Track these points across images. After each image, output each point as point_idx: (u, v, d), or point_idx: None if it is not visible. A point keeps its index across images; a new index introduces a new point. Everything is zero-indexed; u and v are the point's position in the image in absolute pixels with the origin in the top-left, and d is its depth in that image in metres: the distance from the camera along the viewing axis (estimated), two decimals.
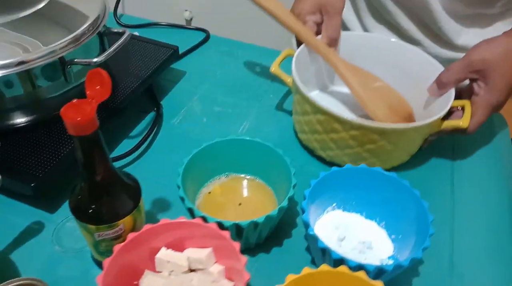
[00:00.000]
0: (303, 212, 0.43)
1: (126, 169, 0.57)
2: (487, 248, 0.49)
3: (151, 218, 0.50)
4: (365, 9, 0.72)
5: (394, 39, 0.63)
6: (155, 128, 0.62)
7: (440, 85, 0.54)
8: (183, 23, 1.23)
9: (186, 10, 1.20)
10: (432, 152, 0.59)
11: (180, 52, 0.76)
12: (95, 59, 0.50)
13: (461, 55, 0.66)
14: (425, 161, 0.59)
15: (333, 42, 0.60)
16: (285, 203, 0.44)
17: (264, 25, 1.09)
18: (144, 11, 1.17)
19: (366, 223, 0.50)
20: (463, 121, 0.52)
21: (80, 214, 0.39)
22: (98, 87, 0.35)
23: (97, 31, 0.53)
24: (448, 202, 0.54)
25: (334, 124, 0.51)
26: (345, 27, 0.76)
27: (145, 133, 0.60)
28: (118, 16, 0.84)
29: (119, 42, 0.51)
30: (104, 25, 0.57)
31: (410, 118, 0.59)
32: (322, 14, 0.60)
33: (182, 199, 0.44)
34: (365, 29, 0.74)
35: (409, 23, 0.67)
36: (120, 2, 0.86)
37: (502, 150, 0.61)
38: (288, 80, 0.57)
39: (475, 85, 0.53)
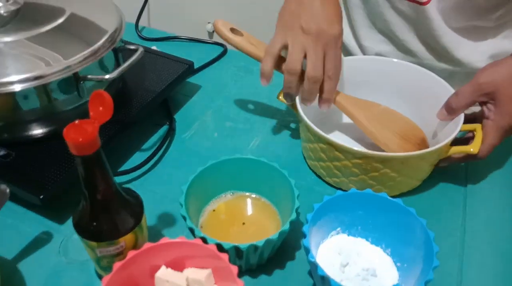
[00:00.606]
0: (304, 236, 0.43)
1: (135, 182, 0.57)
2: (498, 283, 0.47)
3: (156, 233, 0.51)
4: (360, 19, 0.70)
5: (396, 59, 0.62)
6: (167, 143, 0.63)
7: (450, 110, 0.53)
8: (205, 35, 1.24)
9: (208, 23, 1.22)
10: (445, 176, 0.58)
11: (197, 66, 0.77)
12: (107, 76, 0.51)
13: (457, 69, 0.65)
14: (436, 185, 0.57)
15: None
16: (286, 227, 0.43)
17: None
18: (168, 23, 1.20)
19: (371, 249, 0.49)
20: (473, 147, 0.50)
21: (81, 230, 0.40)
22: (101, 108, 0.36)
23: (112, 47, 0.54)
24: (459, 230, 0.52)
25: (336, 153, 0.50)
26: None
27: (156, 146, 0.61)
28: (139, 29, 0.86)
29: (132, 59, 0.52)
30: (121, 40, 0.58)
31: (423, 144, 0.57)
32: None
33: (184, 218, 0.44)
34: (358, 39, 0.72)
35: (405, 34, 0.66)
36: (146, 15, 0.88)
37: None
38: (294, 107, 0.57)
39: (485, 108, 0.52)
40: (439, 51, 0.65)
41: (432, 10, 0.60)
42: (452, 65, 0.66)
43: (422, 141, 0.57)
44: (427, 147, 0.57)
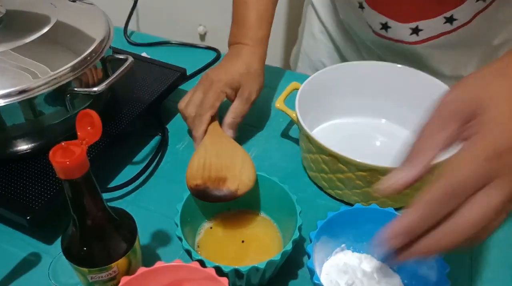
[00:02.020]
0: (309, 257, 0.41)
1: (127, 198, 0.55)
2: None
3: (150, 253, 0.48)
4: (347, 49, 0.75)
5: (400, 65, 0.61)
6: (159, 154, 0.60)
7: (409, 161, 0.32)
8: (197, 38, 1.22)
9: (200, 25, 1.19)
10: None
11: (190, 72, 0.74)
12: (95, 89, 0.48)
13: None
14: None
15: (234, 125, 0.58)
16: (289, 247, 0.41)
17: (278, 41, 1.07)
18: (158, 26, 1.17)
19: (378, 265, 0.46)
20: None
21: (71, 256, 0.38)
22: (89, 128, 0.33)
23: (100, 56, 0.51)
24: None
25: (339, 165, 0.48)
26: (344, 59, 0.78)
27: (148, 159, 0.58)
28: (128, 34, 0.83)
29: (120, 70, 0.49)
30: (110, 47, 0.55)
31: (212, 181, 0.47)
32: (236, 94, 0.59)
33: (180, 239, 0.41)
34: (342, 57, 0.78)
35: (395, 60, 0.66)
36: (135, 19, 0.85)
37: None
38: (293, 115, 0.55)
39: (463, 136, 0.31)
40: (431, 69, 0.66)
41: (421, 48, 0.63)
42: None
43: (216, 179, 0.47)
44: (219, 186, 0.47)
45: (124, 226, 0.39)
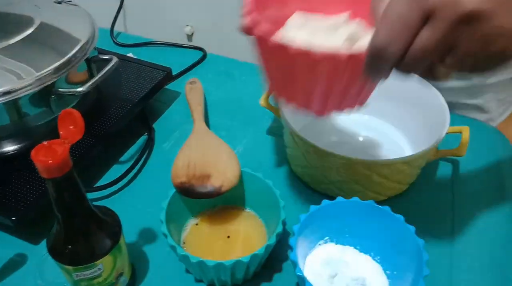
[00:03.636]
0: (292, 249, 0.41)
1: (114, 197, 0.55)
2: None
3: (137, 250, 0.49)
4: None
5: None
6: (146, 154, 0.60)
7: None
8: (184, 38, 1.22)
9: (187, 25, 1.19)
10: (432, 179, 0.57)
11: (176, 72, 0.75)
12: (80, 89, 0.48)
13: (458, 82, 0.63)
14: (424, 189, 0.56)
15: None
16: (272, 240, 0.42)
17: None
18: (145, 27, 1.17)
19: (360, 257, 0.47)
20: (460, 150, 0.49)
21: (56, 254, 0.38)
22: (72, 127, 0.34)
23: (85, 57, 0.52)
24: (448, 234, 0.51)
25: (321, 159, 0.49)
26: None
27: (135, 158, 0.59)
28: (115, 35, 0.83)
29: (105, 70, 0.50)
30: (95, 48, 0.56)
31: (195, 179, 0.47)
32: None
33: (165, 235, 0.42)
34: None
35: None
36: (122, 20, 0.86)
37: (507, 175, 0.58)
38: (278, 112, 0.56)
39: None
40: None
41: None
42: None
43: (201, 177, 0.47)
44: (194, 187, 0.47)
45: (109, 223, 0.40)
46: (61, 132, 0.34)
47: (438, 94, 0.54)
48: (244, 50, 1.17)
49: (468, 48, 0.27)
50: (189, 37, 1.22)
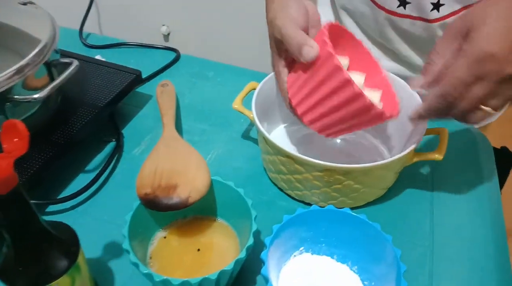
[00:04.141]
0: (263, 264, 0.39)
1: (79, 209, 0.52)
2: None
3: (102, 266, 0.46)
4: (358, 31, 0.68)
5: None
6: (114, 161, 0.57)
7: (426, 71, 0.43)
8: (161, 38, 1.19)
9: (163, 25, 1.16)
10: (411, 182, 0.55)
11: (147, 74, 0.72)
12: (36, 95, 0.45)
13: None
14: (402, 192, 0.55)
15: None
16: (242, 255, 0.40)
17: (244, 40, 1.05)
18: (120, 28, 1.13)
19: (337, 267, 0.45)
20: (438, 153, 0.48)
21: (6, 278, 0.35)
22: (16, 139, 0.31)
23: (43, 61, 0.48)
24: (427, 239, 0.50)
25: (296, 166, 0.47)
26: None
27: (101, 167, 0.56)
28: (84, 37, 0.80)
29: (64, 75, 0.47)
30: (56, 51, 0.52)
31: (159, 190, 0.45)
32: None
33: (128, 251, 0.39)
34: None
35: (408, 50, 0.64)
36: (96, 21, 0.82)
37: (486, 176, 0.57)
38: (251, 116, 0.53)
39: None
40: None
41: (439, 28, 0.58)
42: None
43: (167, 187, 0.45)
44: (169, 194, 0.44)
45: (64, 241, 0.37)
46: (4, 146, 0.31)
47: (415, 95, 0.52)
48: (222, 50, 1.15)
49: (508, 95, 0.40)
50: (166, 37, 1.18)
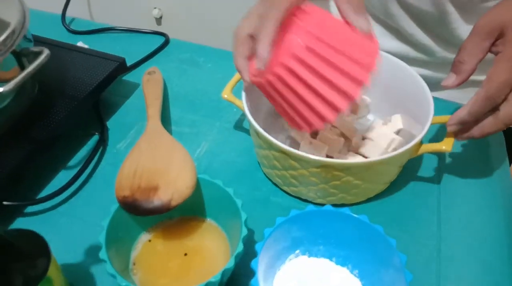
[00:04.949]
0: (253, 273, 0.35)
1: (60, 208, 0.49)
2: None
3: (84, 270, 0.43)
4: None
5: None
6: (97, 156, 0.54)
7: (458, 68, 0.43)
8: (153, 21, 1.14)
9: (155, 8, 1.11)
10: (415, 175, 0.51)
11: (135, 60, 0.67)
12: (1, 89, 0.41)
13: None
14: (407, 186, 0.51)
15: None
16: (231, 264, 0.36)
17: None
18: (112, 12, 1.08)
19: (337, 270, 0.42)
20: (445, 145, 0.44)
21: None
22: None
23: (10, 50, 0.44)
24: (435, 237, 0.46)
25: (291, 162, 0.43)
26: None
27: (84, 162, 0.52)
28: (68, 22, 0.75)
29: (32, 66, 0.42)
30: (27, 39, 0.48)
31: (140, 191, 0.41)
32: None
33: (105, 261, 0.36)
34: None
35: (413, 28, 0.59)
36: (86, 7, 0.77)
37: (498, 174, 0.52)
38: (242, 106, 0.49)
39: (494, 48, 0.42)
40: (453, 43, 0.59)
41: (450, 2, 0.55)
42: None
43: (147, 189, 0.41)
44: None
45: (32, 253, 0.33)
46: None
47: (423, 85, 0.48)
48: (217, 34, 1.10)
49: None
50: (158, 20, 1.13)
